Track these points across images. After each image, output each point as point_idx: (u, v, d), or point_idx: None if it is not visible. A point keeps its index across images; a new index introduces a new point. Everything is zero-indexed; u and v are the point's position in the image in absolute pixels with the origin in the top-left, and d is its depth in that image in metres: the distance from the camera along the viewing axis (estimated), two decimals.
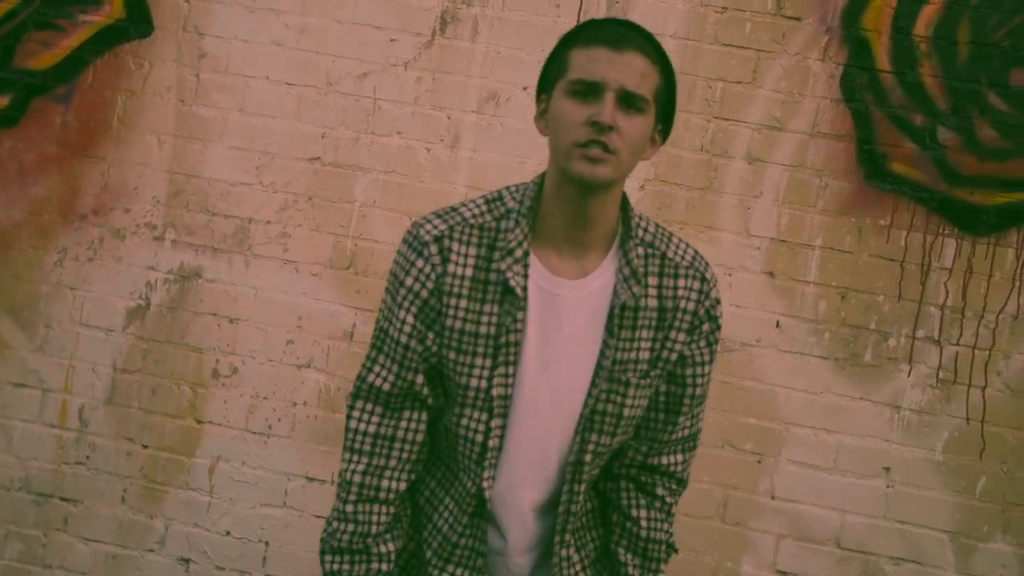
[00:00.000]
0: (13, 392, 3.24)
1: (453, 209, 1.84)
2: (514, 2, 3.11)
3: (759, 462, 3.09)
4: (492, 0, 3.12)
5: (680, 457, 1.96)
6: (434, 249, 1.79)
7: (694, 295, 1.84)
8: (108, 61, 3.20)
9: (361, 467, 1.84)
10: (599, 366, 1.80)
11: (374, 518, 1.86)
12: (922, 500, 3.04)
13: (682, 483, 2.00)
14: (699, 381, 1.90)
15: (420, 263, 1.80)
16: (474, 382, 1.80)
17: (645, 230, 1.85)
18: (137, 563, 3.21)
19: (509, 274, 1.77)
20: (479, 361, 1.79)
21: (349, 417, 1.86)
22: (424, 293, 1.80)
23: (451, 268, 1.79)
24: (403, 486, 1.87)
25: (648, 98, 1.74)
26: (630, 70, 1.71)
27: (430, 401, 1.86)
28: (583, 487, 1.86)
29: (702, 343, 1.88)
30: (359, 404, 1.85)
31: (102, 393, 3.22)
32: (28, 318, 3.24)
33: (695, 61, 3.07)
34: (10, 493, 3.24)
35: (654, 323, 1.82)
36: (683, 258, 1.86)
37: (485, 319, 1.79)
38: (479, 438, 1.82)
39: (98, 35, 3.20)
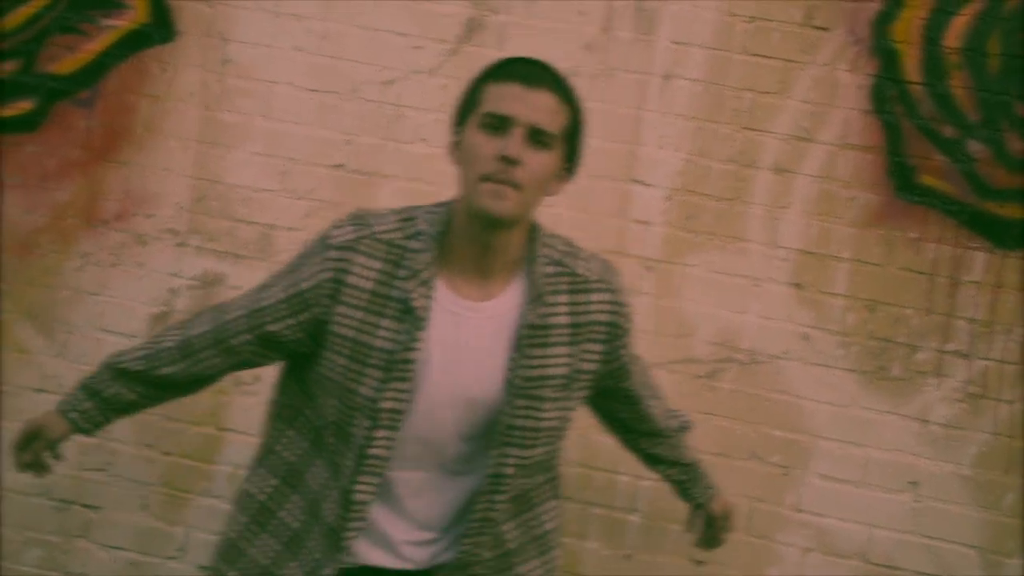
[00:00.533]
0: (33, 397, 3.22)
1: (365, 221, 1.91)
2: (539, 10, 3.09)
3: (785, 475, 3.07)
4: (518, 7, 3.10)
5: (667, 417, 2.27)
6: (335, 255, 1.87)
7: (607, 307, 1.94)
8: (131, 66, 3.18)
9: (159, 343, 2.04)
10: (510, 384, 1.87)
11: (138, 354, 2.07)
12: (949, 515, 3.02)
13: (685, 426, 2.35)
14: (633, 368, 2.11)
15: (318, 265, 1.89)
16: (364, 390, 1.86)
17: (553, 248, 1.94)
18: (158, 571, 3.19)
19: (413, 295, 1.84)
20: (371, 372, 1.86)
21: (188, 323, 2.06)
22: (306, 288, 1.89)
23: (351, 279, 1.86)
24: (164, 372, 2.05)
25: (556, 134, 1.83)
26: (540, 107, 1.80)
27: (231, 362, 2.02)
28: (505, 497, 1.94)
29: (621, 346, 2.01)
30: (199, 315, 2.07)
31: None
32: (49, 323, 3.22)
33: (723, 71, 3.05)
34: (30, 499, 3.22)
35: (567, 339, 1.90)
36: (592, 273, 1.95)
37: (382, 333, 1.85)
38: (361, 443, 1.88)
39: (122, 40, 3.18)
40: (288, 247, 3.14)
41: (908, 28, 3.01)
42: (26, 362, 3.23)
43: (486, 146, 1.80)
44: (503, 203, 1.79)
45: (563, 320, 1.90)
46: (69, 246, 3.21)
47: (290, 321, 1.93)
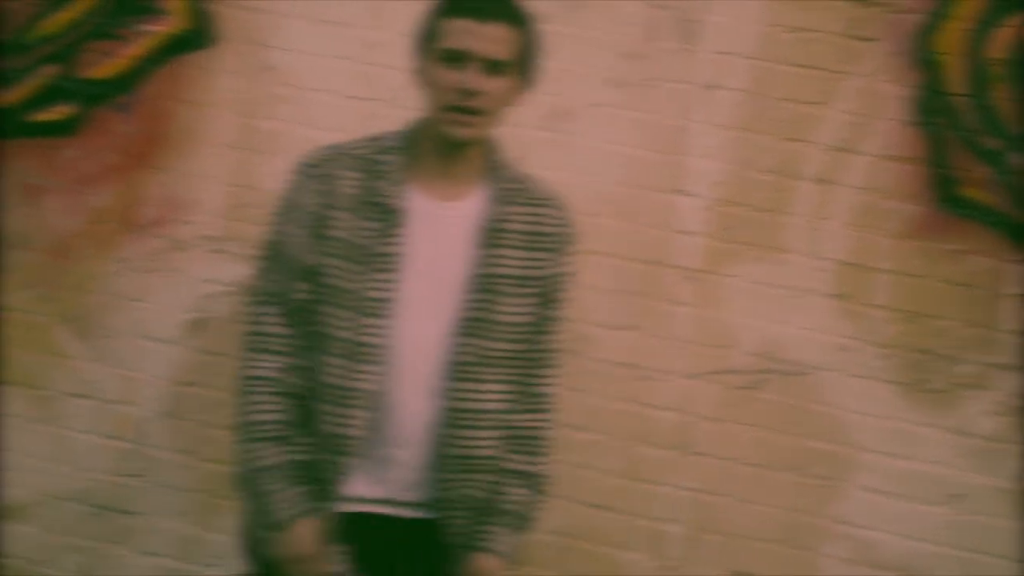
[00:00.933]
0: (71, 402, 3.22)
1: (336, 144, 2.10)
2: (581, 19, 3.08)
3: (826, 487, 3.06)
4: (559, 17, 3.08)
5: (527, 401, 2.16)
6: (320, 170, 2.03)
7: (556, 220, 2.12)
8: (171, 72, 3.18)
9: (277, 364, 2.05)
10: (474, 277, 2.03)
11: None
12: (991, 528, 3.01)
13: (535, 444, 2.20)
14: (559, 296, 2.15)
15: (308, 182, 2.04)
16: (354, 287, 2.00)
17: (511, 168, 2.14)
18: None
19: (390, 196, 2.01)
20: (360, 268, 2.00)
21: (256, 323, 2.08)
22: (312, 207, 2.02)
23: (336, 186, 2.02)
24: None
25: (511, 60, 1.99)
26: (493, 39, 1.95)
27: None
28: (470, 386, 2.04)
29: (564, 259, 2.14)
30: (263, 309, 2.07)
31: (161, 405, 3.19)
32: (86, 328, 3.22)
33: (766, 82, 3.05)
34: (68, 505, 3.22)
35: (522, 244, 2.07)
36: (544, 191, 2.15)
37: (367, 233, 2.00)
38: (359, 338, 1.99)
39: (161, 45, 3.17)
40: None
41: (952, 39, 3.00)
42: (65, 367, 3.22)
43: (446, 78, 1.96)
44: (467, 129, 1.98)
45: (519, 227, 2.07)
46: (107, 251, 3.21)
47: (314, 244, 2.03)
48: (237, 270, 3.16)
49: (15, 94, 3.19)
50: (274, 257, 2.07)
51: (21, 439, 3.24)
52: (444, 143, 2.02)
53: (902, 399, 3.04)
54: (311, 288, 2.02)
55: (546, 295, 2.11)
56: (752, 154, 3.05)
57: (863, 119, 3.03)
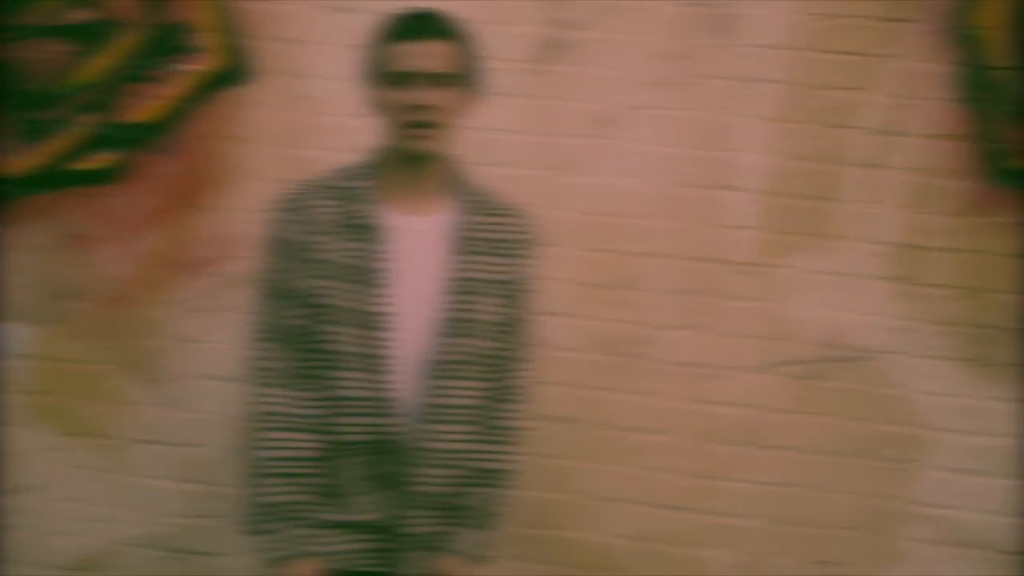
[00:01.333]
0: (138, 448, 3.22)
1: (306, 179, 2.23)
2: (616, 23, 3.08)
3: (901, 469, 3.07)
4: (594, 23, 3.09)
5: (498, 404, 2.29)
6: (298, 203, 2.15)
7: (518, 227, 2.26)
8: (210, 109, 3.17)
9: (285, 398, 2.15)
10: (451, 282, 2.16)
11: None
12: None
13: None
14: (526, 296, 2.29)
15: (289, 215, 2.15)
16: (351, 304, 2.11)
17: (473, 182, 2.26)
18: None
19: (368, 217, 2.13)
20: (353, 286, 2.12)
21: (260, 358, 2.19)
22: (297, 237, 2.13)
23: (316, 215, 2.13)
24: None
25: (454, 73, 2.11)
26: (433, 55, 2.08)
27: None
28: (452, 384, 2.16)
29: (527, 262, 2.27)
30: (267, 345, 2.17)
31: (229, 444, 3.19)
32: (148, 373, 3.21)
33: (806, 70, 3.05)
34: (142, 551, 3.22)
35: (490, 250, 2.20)
36: (504, 201, 2.28)
37: (353, 253, 2.12)
38: (367, 351, 2.12)
39: (199, 84, 3.17)
40: None
41: (992, 14, 3.00)
42: (130, 413, 3.22)
43: (398, 98, 2.09)
44: (426, 143, 2.12)
45: (486, 235, 2.21)
46: (162, 294, 3.21)
47: (303, 268, 2.14)
48: None
49: (57, 145, 3.19)
50: (268, 293, 2.18)
51: (91, 489, 3.24)
52: (407, 160, 2.16)
53: (967, 375, 3.04)
54: (309, 313, 2.13)
55: (514, 295, 2.25)
56: (798, 144, 3.05)
57: (906, 100, 3.04)
